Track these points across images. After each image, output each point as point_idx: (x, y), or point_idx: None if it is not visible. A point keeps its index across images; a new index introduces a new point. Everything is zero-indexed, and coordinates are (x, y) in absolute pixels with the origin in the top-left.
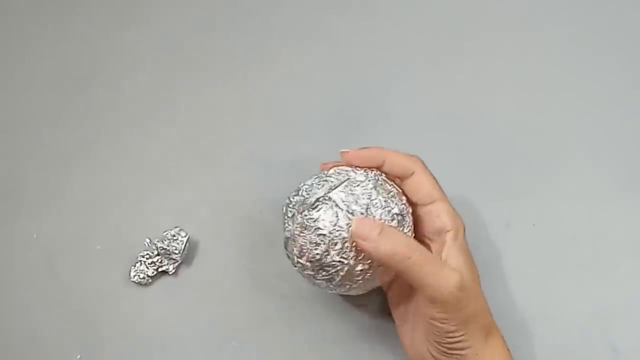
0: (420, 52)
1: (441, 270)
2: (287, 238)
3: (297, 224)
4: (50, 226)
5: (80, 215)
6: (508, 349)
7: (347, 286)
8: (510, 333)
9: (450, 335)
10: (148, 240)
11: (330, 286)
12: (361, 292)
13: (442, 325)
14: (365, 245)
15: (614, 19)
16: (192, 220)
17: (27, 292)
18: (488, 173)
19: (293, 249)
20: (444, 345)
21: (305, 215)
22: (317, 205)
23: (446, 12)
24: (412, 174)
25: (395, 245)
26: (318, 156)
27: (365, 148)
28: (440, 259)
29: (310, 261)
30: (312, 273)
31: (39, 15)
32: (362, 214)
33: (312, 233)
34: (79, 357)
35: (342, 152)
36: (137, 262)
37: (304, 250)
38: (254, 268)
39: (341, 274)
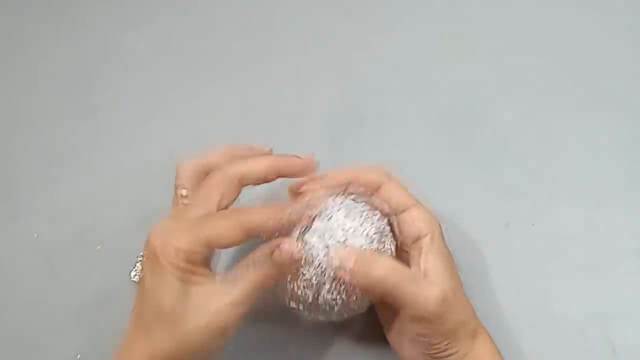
0: (420, 52)
1: (420, 287)
2: (275, 285)
3: None
4: (51, 226)
5: (81, 215)
6: (495, 347)
7: (346, 315)
8: (509, 333)
9: (436, 346)
10: None
11: (330, 319)
12: (360, 313)
13: (426, 339)
14: (344, 276)
15: (614, 19)
16: None
17: (27, 292)
18: (488, 173)
19: (284, 296)
20: (430, 355)
21: None
22: None
23: (446, 12)
24: (379, 187)
25: (371, 271)
26: (318, 156)
27: (326, 175)
28: (420, 267)
29: (304, 305)
30: (307, 314)
31: (39, 15)
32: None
33: (298, 279)
34: (78, 357)
35: (303, 188)
36: (137, 262)
37: (295, 296)
38: None
39: (337, 308)
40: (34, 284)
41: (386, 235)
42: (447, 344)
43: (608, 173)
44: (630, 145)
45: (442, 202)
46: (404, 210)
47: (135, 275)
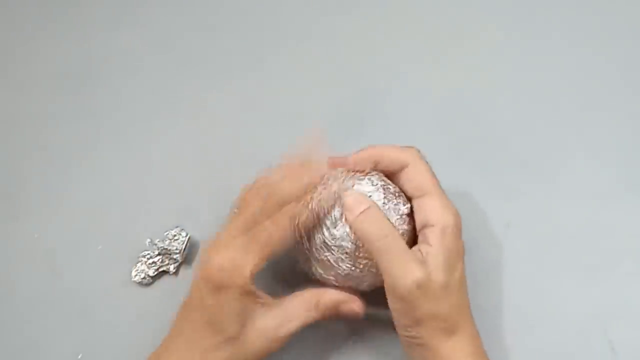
0: (420, 51)
1: (405, 263)
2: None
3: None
4: (51, 226)
5: (81, 215)
6: (477, 349)
7: (332, 279)
8: (509, 333)
9: (405, 329)
10: (149, 240)
11: (326, 273)
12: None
13: (397, 316)
14: (349, 217)
15: (614, 19)
16: (192, 220)
17: (27, 292)
18: (488, 173)
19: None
20: (402, 335)
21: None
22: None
23: (446, 12)
24: (404, 167)
25: (371, 226)
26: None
27: (360, 151)
28: (422, 254)
29: (303, 257)
30: (305, 266)
31: (39, 15)
32: None
33: (311, 241)
34: (79, 357)
35: (336, 160)
36: (138, 262)
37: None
38: None
39: (336, 268)
40: (34, 284)
41: (405, 217)
42: (415, 331)
43: (608, 173)
44: (630, 145)
45: None
46: (420, 196)
47: (136, 275)
